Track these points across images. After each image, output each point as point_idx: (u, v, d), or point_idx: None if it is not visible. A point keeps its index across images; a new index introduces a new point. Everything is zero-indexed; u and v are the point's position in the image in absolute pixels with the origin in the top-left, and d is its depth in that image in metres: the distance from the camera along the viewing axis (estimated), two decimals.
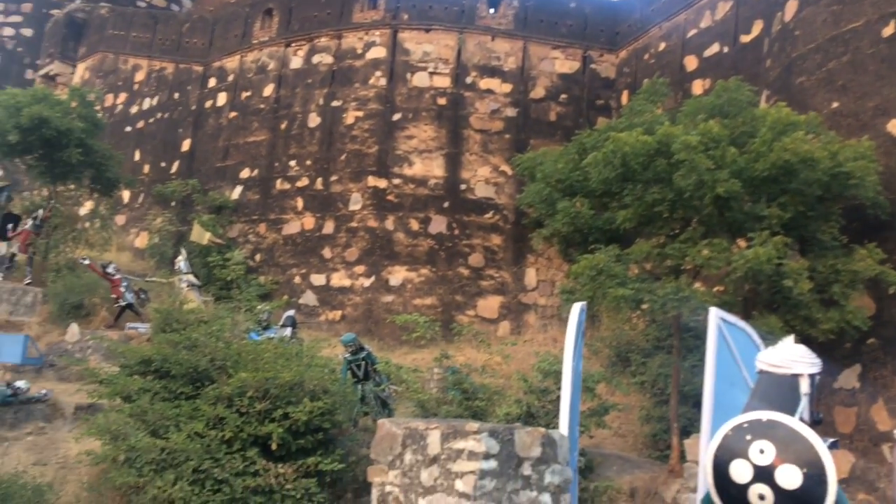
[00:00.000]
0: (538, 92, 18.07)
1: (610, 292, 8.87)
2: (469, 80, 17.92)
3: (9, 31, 26.43)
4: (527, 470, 5.70)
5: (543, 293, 16.96)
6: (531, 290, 17.01)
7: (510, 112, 17.87)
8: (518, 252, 17.16)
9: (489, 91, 17.91)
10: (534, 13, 18.43)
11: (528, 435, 5.89)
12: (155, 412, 8.04)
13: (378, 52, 18.22)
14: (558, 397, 9.07)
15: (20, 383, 10.83)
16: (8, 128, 14.75)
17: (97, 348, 12.76)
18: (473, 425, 5.80)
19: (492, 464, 5.46)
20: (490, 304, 16.81)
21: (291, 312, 13.43)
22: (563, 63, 18.34)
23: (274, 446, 7.78)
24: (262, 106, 19.23)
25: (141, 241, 19.87)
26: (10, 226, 15.86)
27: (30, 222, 15.69)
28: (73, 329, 13.54)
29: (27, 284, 15.22)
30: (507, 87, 17.95)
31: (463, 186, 17.36)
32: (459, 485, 5.39)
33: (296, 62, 19.09)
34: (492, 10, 18.51)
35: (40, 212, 15.91)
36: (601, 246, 9.59)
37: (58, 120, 14.88)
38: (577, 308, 6.71)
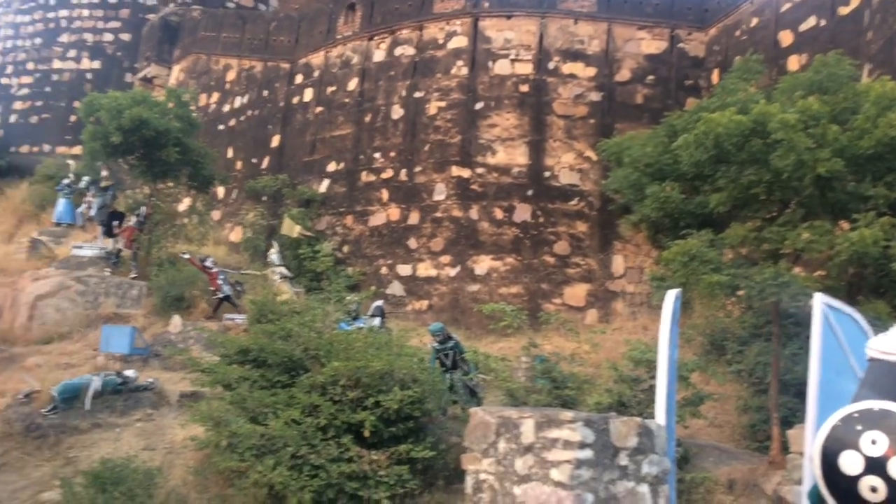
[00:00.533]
0: (623, 74, 17.67)
1: (703, 279, 8.60)
2: (552, 65, 17.69)
3: (108, 37, 27.80)
4: (623, 460, 5.62)
5: (632, 280, 16.63)
6: (619, 278, 16.70)
7: (594, 96, 17.55)
8: (604, 239, 16.88)
9: (572, 76, 17.64)
10: None
11: (624, 424, 5.80)
12: (254, 400, 8.34)
13: (459, 42, 18.22)
14: (651, 387, 8.89)
15: (129, 372, 11.44)
16: (111, 130, 15.54)
17: (198, 338, 13.34)
18: (567, 414, 5.76)
19: (587, 453, 5.41)
20: (577, 293, 16.61)
21: (380, 303, 13.64)
22: (650, 43, 17.85)
23: (366, 433, 7.94)
24: (346, 100, 19.56)
25: (235, 235, 20.60)
26: (115, 223, 16.74)
27: (133, 219, 16.53)
28: (176, 320, 14.18)
29: (133, 278, 16.06)
30: (591, 71, 17.62)
31: (547, 174, 17.18)
32: (555, 474, 5.36)
33: (378, 55, 19.32)
34: None
35: (143, 209, 16.72)
36: (693, 231, 9.30)
37: (156, 121, 15.58)
38: (671, 295, 6.55)
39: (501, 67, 17.84)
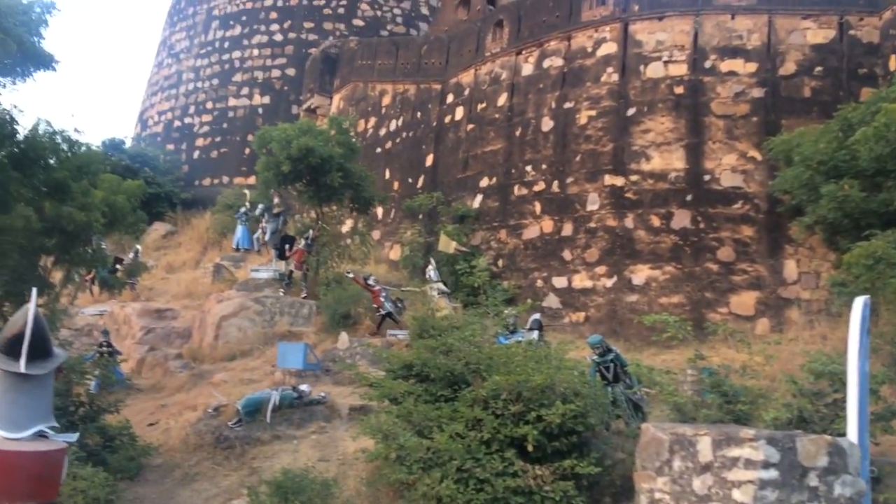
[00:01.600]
0: (788, 67, 16.60)
1: (891, 282, 7.91)
2: (708, 64, 16.97)
3: (276, 73, 29.90)
4: (813, 481, 5.25)
5: (807, 286, 15.50)
6: (792, 284, 15.62)
7: (756, 93, 16.62)
8: (773, 243, 15.88)
9: (731, 73, 16.81)
10: None
11: (813, 443, 5.42)
12: (419, 413, 8.61)
13: (609, 48, 17.93)
14: (835, 401, 8.26)
15: (304, 387, 12.18)
16: (281, 159, 16.68)
17: (364, 354, 13.96)
18: (748, 432, 5.47)
19: (772, 473, 5.10)
20: (744, 301, 15.72)
21: (537, 316, 13.63)
22: (816, 33, 16.66)
23: (530, 448, 7.95)
24: (496, 115, 19.79)
25: (394, 253, 21.37)
26: (287, 246, 17.93)
27: (302, 242, 17.62)
28: (343, 337, 14.93)
29: (303, 298, 17.10)
30: (752, 67, 16.71)
31: (707, 177, 16.46)
32: (737, 495, 5.11)
33: (527, 69, 19.41)
34: None
35: (310, 232, 17.78)
36: (877, 231, 8.57)
37: (321, 148, 16.55)
38: (860, 302, 6.06)
39: (654, 70, 17.35)
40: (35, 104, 38.04)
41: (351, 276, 16.21)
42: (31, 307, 2.77)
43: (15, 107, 8.94)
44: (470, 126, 20.53)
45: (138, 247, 20.47)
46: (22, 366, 2.71)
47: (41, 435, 2.83)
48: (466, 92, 21.07)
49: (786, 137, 13.60)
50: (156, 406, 13.67)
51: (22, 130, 9.11)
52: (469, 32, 21.73)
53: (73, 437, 3.18)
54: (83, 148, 11.16)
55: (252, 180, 25.19)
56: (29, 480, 2.72)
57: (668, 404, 10.19)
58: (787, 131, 15.60)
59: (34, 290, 2.94)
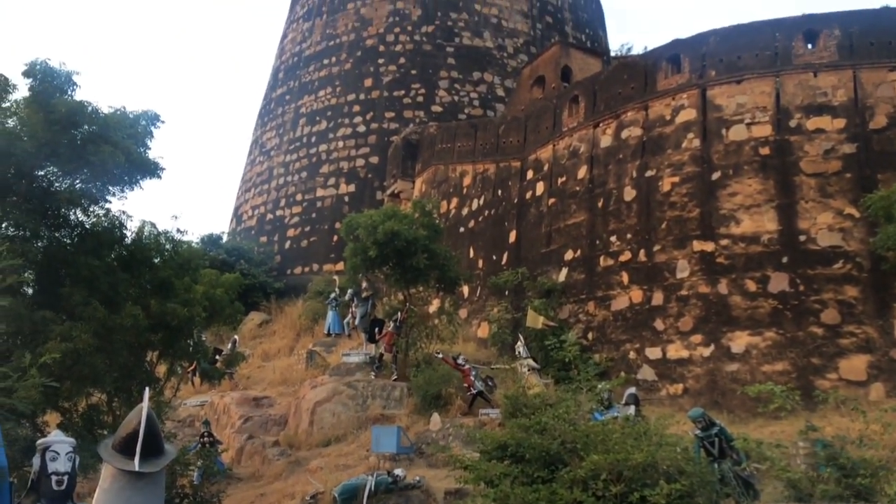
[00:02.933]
0: (879, 121, 16.05)
1: None
2: (793, 123, 16.61)
3: (360, 162, 31.06)
4: None
5: None
6: None
7: (847, 149, 16.09)
8: (881, 302, 15.01)
9: (819, 130, 16.39)
10: (860, 38, 16.65)
11: None
12: (516, 496, 8.39)
13: (688, 115, 17.85)
14: None
15: (398, 471, 12.10)
16: (368, 244, 17.14)
17: (457, 435, 13.82)
18: None
19: None
20: (855, 365, 14.81)
21: (633, 390, 13.23)
22: None
23: None
24: (577, 188, 19.84)
25: (482, 331, 21.33)
26: (376, 329, 18.19)
27: (391, 325, 17.84)
28: (436, 418, 14.86)
29: (394, 380, 17.19)
30: (840, 123, 16.25)
31: (802, 237, 15.87)
32: None
33: (605, 140, 19.49)
34: (809, 46, 17.16)
35: (398, 315, 18.00)
36: None
37: (406, 232, 16.93)
38: None
39: (737, 133, 17.11)
40: (140, 206, 40.63)
41: (440, 356, 16.24)
42: (144, 406, 2.92)
43: (123, 213, 9.63)
44: (551, 200, 20.63)
45: (236, 337, 21.19)
46: (136, 465, 2.85)
47: None
48: (546, 167, 21.27)
49: (884, 193, 13.05)
50: (256, 495, 13.84)
51: (129, 234, 9.75)
52: (545, 110, 22.09)
53: None
54: (185, 246, 11.83)
55: (340, 266, 25.89)
56: None
57: (780, 480, 9.59)
58: (884, 186, 14.99)
59: (147, 390, 3.10)
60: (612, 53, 41.26)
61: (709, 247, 16.72)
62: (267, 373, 21.36)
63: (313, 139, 32.51)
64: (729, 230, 16.58)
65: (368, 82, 32.37)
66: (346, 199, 30.62)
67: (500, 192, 23.09)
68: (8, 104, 8.28)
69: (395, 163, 29.07)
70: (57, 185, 8.65)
